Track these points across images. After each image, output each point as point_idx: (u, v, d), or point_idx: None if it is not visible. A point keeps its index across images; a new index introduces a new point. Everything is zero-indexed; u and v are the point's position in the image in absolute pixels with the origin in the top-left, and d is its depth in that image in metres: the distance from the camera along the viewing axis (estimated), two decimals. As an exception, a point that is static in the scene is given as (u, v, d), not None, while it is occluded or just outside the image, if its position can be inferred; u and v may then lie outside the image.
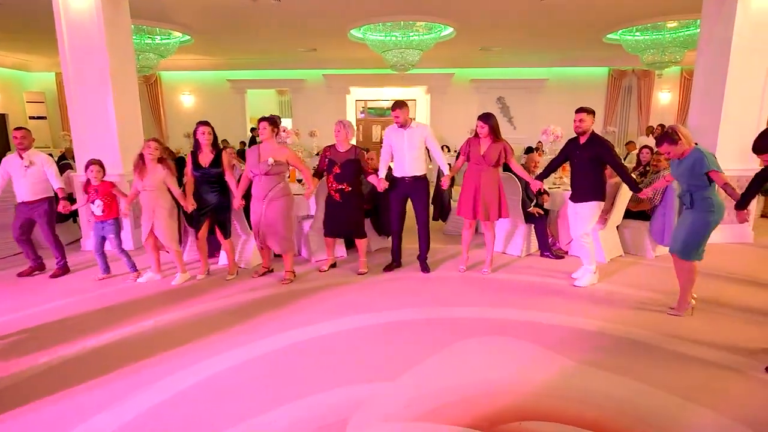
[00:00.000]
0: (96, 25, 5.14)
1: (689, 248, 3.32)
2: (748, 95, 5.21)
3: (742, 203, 3.14)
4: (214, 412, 2.35)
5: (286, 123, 15.60)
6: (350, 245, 5.23)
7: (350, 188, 4.28)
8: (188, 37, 9.34)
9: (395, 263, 4.65)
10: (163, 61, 9.81)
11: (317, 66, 12.94)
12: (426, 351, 2.93)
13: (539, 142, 9.71)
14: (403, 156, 4.34)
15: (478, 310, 3.61)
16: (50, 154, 5.39)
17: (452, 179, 4.46)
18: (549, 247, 5.00)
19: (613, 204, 4.68)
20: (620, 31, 9.32)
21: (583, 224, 4.02)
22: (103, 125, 5.35)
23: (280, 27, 8.93)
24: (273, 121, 4.11)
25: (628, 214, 4.98)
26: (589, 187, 3.96)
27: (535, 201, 4.99)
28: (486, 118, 4.17)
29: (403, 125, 4.30)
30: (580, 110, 3.93)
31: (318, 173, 4.44)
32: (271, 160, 4.00)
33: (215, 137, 4.19)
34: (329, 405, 2.40)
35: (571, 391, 2.50)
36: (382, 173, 4.45)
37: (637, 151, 7.70)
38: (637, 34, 9.29)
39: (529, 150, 10.28)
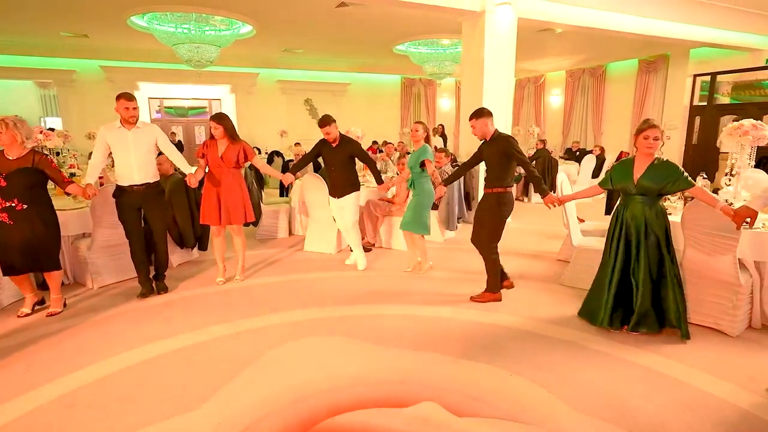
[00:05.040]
0: None
1: (423, 223, 4.36)
2: (498, 100, 6.45)
3: (446, 183, 3.99)
4: None
5: (54, 123, 12.78)
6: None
7: (25, 205, 3.34)
8: None
9: (150, 284, 4.03)
10: None
11: (92, 56, 10.93)
12: (231, 369, 2.75)
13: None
14: (128, 160, 3.74)
15: (282, 315, 3.56)
16: None
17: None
18: (358, 241, 5.30)
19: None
20: (407, 44, 10.50)
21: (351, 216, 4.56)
22: None
23: (28, 2, 7.20)
24: None
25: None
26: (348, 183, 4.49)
27: None
28: (219, 118, 4.01)
29: (129, 122, 3.71)
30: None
31: None
32: None
33: None
34: (115, 457, 2.03)
35: (379, 374, 2.68)
36: (93, 178, 3.72)
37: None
38: (420, 47, 10.63)
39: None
